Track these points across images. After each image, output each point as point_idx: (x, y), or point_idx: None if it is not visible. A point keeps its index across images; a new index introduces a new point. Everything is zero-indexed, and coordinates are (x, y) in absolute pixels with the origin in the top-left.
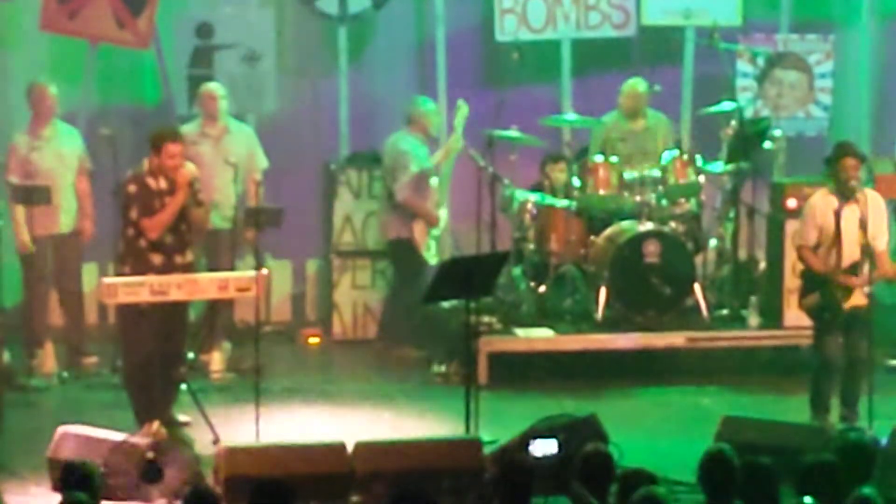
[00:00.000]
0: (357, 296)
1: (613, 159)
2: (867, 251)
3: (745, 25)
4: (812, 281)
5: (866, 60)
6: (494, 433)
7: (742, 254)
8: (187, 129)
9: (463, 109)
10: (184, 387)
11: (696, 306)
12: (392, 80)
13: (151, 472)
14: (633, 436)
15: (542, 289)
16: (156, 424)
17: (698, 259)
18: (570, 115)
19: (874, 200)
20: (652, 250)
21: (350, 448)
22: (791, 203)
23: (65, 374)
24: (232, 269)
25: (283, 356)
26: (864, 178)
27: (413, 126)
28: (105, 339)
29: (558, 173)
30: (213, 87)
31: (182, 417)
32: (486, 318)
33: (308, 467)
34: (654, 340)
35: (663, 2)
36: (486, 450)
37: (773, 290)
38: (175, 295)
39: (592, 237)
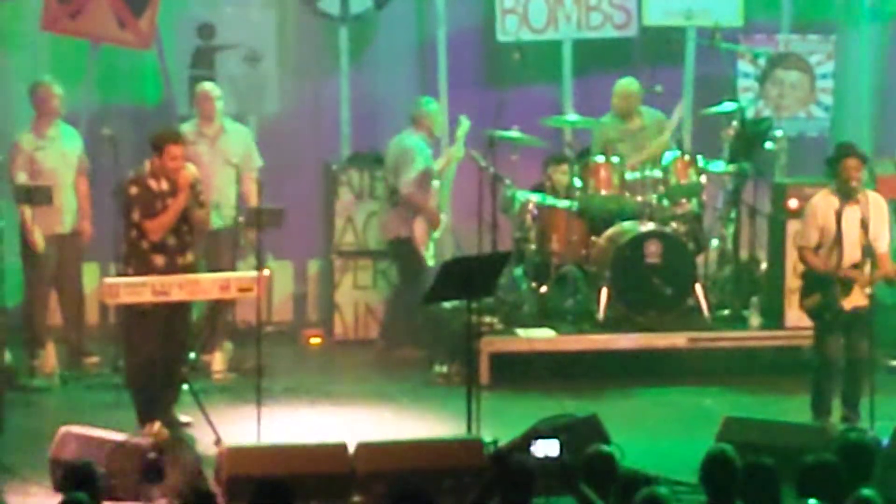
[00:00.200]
0: (358, 296)
1: (615, 160)
2: (868, 252)
3: (747, 26)
4: (813, 281)
5: (867, 61)
6: (496, 433)
7: (743, 254)
8: (184, 130)
9: (465, 125)
10: (185, 387)
11: (698, 307)
12: (393, 80)
13: (153, 473)
14: (635, 436)
15: (544, 289)
16: (157, 425)
17: (699, 259)
18: (572, 116)
19: (875, 201)
20: (653, 251)
21: (351, 448)
22: (792, 203)
23: (66, 374)
24: (233, 269)
25: (284, 356)
26: (866, 179)
27: (417, 126)
28: (106, 339)
29: (560, 175)
30: (209, 87)
31: (184, 418)
32: (487, 319)
33: (309, 467)
34: (656, 341)
35: (665, 2)
36: (487, 450)
37: (774, 290)
38: (177, 295)
39: (594, 237)
